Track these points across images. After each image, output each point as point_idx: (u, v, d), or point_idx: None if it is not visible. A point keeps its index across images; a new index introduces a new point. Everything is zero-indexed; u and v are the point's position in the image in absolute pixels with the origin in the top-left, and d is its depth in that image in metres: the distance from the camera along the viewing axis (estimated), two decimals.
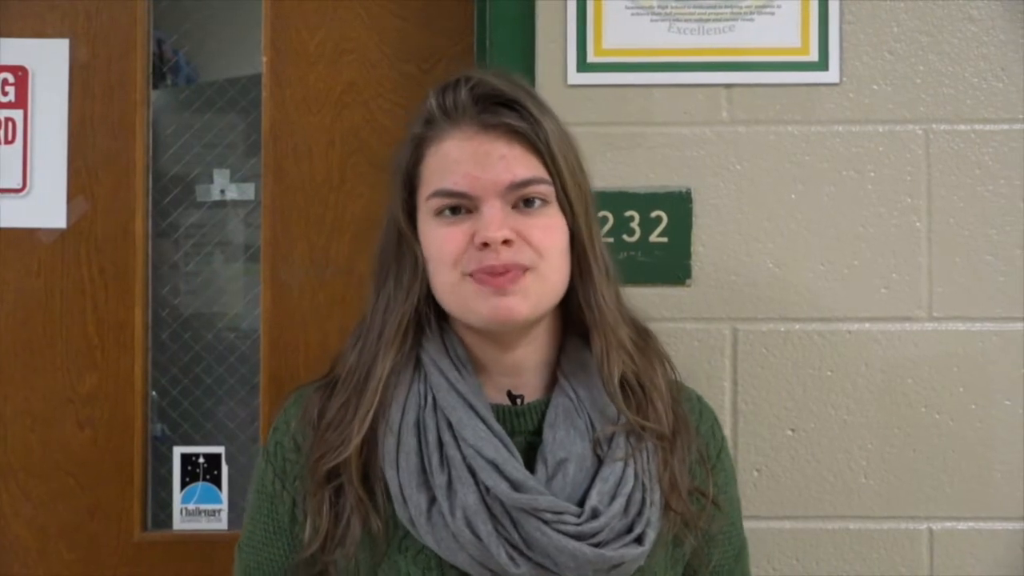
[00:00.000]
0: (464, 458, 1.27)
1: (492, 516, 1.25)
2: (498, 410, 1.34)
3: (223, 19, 2.29)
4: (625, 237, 1.76)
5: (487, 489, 1.26)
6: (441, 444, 1.29)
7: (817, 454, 1.76)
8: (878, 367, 1.76)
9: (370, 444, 1.31)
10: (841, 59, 1.77)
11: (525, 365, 1.36)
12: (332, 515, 1.31)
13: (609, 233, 1.75)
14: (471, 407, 1.30)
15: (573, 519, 1.25)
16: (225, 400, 2.13)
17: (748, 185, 1.77)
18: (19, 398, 1.93)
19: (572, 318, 1.38)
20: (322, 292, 1.93)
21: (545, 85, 1.76)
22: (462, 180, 1.29)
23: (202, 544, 1.95)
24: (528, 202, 1.30)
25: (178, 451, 1.99)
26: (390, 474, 1.29)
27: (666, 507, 1.33)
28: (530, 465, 1.30)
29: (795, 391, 1.76)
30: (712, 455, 1.44)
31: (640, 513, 1.29)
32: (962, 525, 1.75)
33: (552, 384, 1.37)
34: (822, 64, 1.76)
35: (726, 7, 1.77)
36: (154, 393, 2.02)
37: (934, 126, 1.76)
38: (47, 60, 1.94)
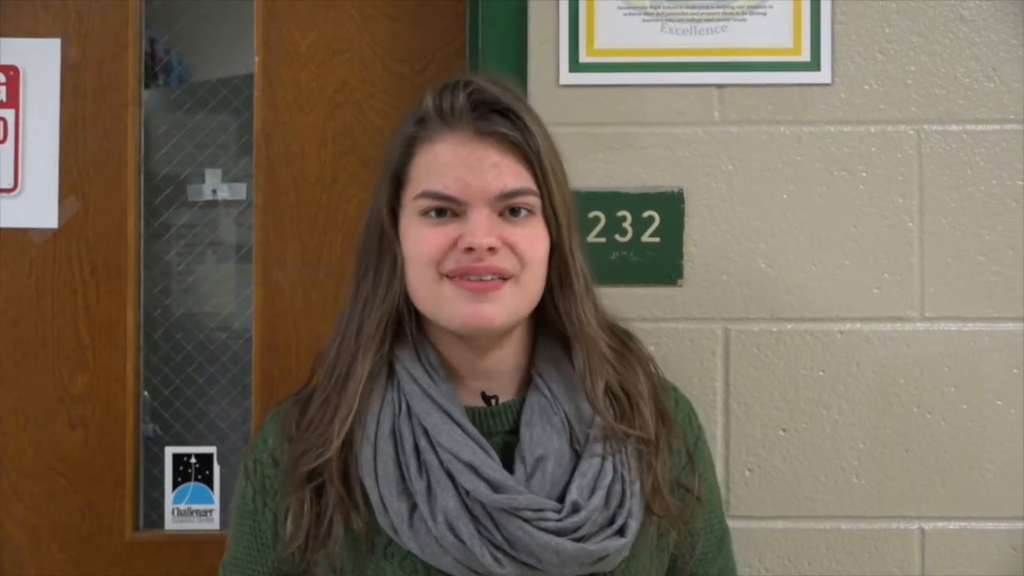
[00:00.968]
0: (441, 463, 1.28)
1: (473, 518, 1.25)
2: (473, 413, 1.34)
3: (215, 19, 2.28)
4: (617, 237, 1.76)
5: (467, 492, 1.26)
6: (418, 451, 1.29)
7: (809, 454, 1.76)
8: (870, 367, 1.76)
9: (349, 448, 1.32)
10: (833, 59, 1.77)
11: (499, 369, 1.37)
12: (313, 513, 1.31)
13: (601, 233, 1.75)
14: (445, 412, 1.30)
15: (554, 515, 1.26)
16: (217, 400, 2.13)
17: (740, 185, 1.77)
18: (10, 398, 1.93)
19: (546, 321, 1.38)
20: (314, 292, 1.93)
21: (537, 85, 1.76)
22: (453, 184, 1.29)
23: (194, 544, 1.95)
24: (514, 211, 1.31)
25: (170, 451, 1.98)
26: (369, 483, 1.29)
27: (648, 510, 1.34)
28: (508, 464, 1.30)
29: (787, 391, 1.76)
30: (690, 443, 1.45)
31: (621, 504, 1.30)
32: (953, 525, 1.75)
33: (526, 384, 1.38)
34: (814, 64, 1.77)
35: (718, 7, 1.77)
36: (146, 393, 2.02)
37: (926, 126, 1.76)
38: (39, 60, 1.94)
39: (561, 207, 1.34)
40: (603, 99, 1.77)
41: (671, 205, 1.76)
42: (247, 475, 1.39)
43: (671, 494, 1.37)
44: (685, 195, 1.77)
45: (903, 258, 1.76)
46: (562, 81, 1.77)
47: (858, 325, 1.76)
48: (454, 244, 1.28)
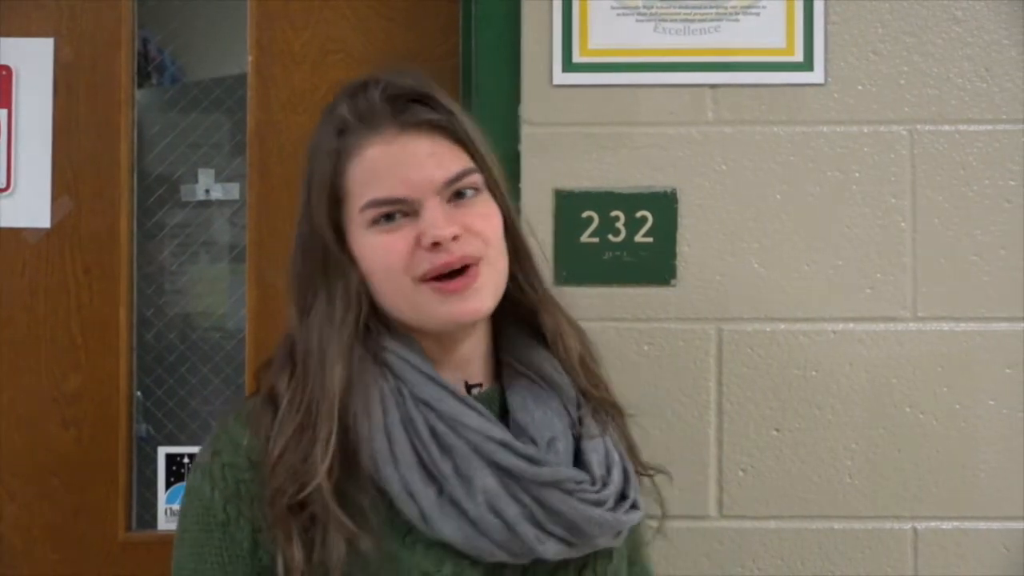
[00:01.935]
0: (469, 444, 1.25)
1: (514, 497, 1.23)
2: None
3: (209, 18, 2.28)
4: (610, 237, 1.76)
5: (505, 470, 1.24)
6: (435, 434, 1.26)
7: (802, 454, 1.76)
8: (863, 367, 1.76)
9: (341, 462, 1.25)
10: (826, 60, 1.77)
11: (472, 356, 1.35)
12: (306, 547, 1.23)
13: (594, 233, 1.75)
14: (456, 396, 1.28)
15: (591, 487, 1.26)
16: (210, 400, 2.13)
17: (733, 185, 1.77)
18: (3, 398, 1.93)
19: (501, 306, 1.34)
20: None
21: (531, 85, 1.76)
22: (398, 185, 1.26)
23: None
24: (460, 194, 1.28)
25: (163, 451, 1.98)
26: (388, 473, 1.24)
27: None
28: None
29: (780, 391, 1.76)
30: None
31: (627, 480, 1.31)
32: (946, 525, 1.75)
33: (497, 370, 1.37)
34: (807, 64, 1.77)
35: (711, 7, 1.77)
36: (139, 393, 2.02)
37: (919, 127, 1.77)
38: (31, 59, 1.93)
39: (500, 179, 1.32)
40: (596, 99, 1.77)
41: (664, 205, 1.76)
42: (212, 483, 1.28)
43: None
44: (678, 195, 1.77)
45: (896, 258, 1.76)
46: (555, 81, 1.77)
47: (851, 325, 1.76)
48: (416, 244, 1.25)
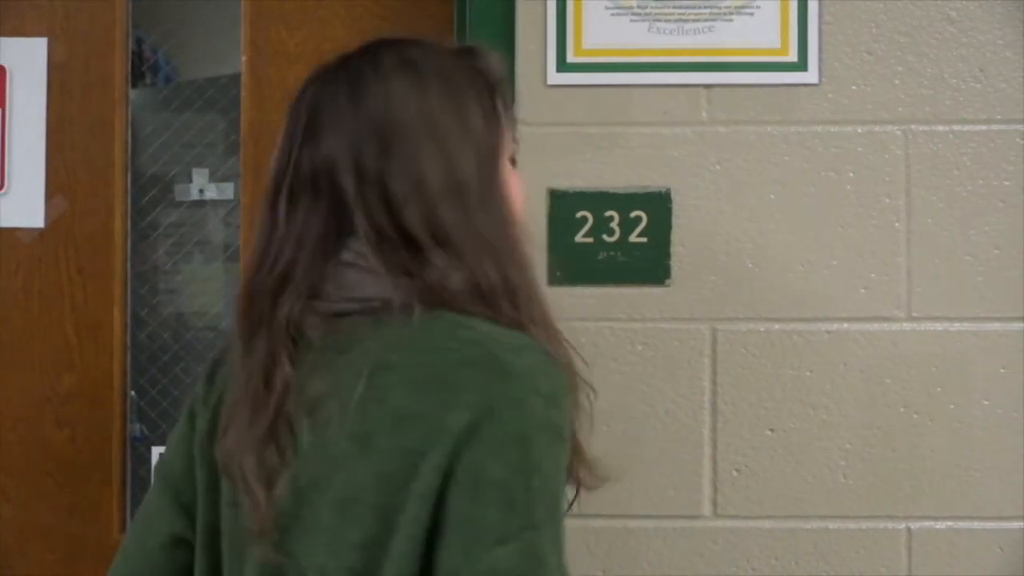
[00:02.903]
0: None
1: None
2: None
3: (202, 18, 2.28)
4: (605, 237, 1.76)
5: None
6: None
7: (796, 454, 1.76)
8: (857, 367, 1.76)
9: None
10: (820, 60, 1.77)
11: None
12: None
13: (589, 233, 1.75)
14: None
15: None
16: None
17: (728, 185, 1.77)
18: None
19: None
20: None
21: (525, 85, 1.76)
22: None
23: None
24: None
25: (157, 451, 1.98)
26: None
27: None
28: None
29: (774, 391, 1.76)
30: None
31: None
32: (940, 524, 1.75)
33: None
34: (801, 65, 1.77)
35: (705, 8, 1.77)
36: (133, 393, 2.01)
37: (913, 127, 1.77)
38: (25, 59, 1.93)
39: None
40: (591, 99, 1.77)
41: (659, 205, 1.76)
42: None
43: None
44: (673, 195, 1.77)
45: (890, 258, 1.76)
46: (550, 81, 1.77)
47: (845, 325, 1.76)
48: None
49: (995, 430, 1.76)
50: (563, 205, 1.76)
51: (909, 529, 1.75)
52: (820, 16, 1.77)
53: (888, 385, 1.76)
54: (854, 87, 1.77)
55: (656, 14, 1.77)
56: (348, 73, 1.18)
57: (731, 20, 1.77)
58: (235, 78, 1.99)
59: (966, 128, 1.77)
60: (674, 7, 1.77)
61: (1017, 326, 1.76)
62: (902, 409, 1.76)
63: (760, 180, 1.77)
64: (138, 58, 2.14)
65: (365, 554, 1.06)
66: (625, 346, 1.76)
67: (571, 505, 1.15)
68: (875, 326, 1.76)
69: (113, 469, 1.93)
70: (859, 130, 1.77)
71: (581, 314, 1.75)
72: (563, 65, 1.77)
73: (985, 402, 1.76)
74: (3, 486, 1.92)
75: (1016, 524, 1.75)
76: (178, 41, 2.25)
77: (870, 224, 1.76)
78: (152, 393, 2.11)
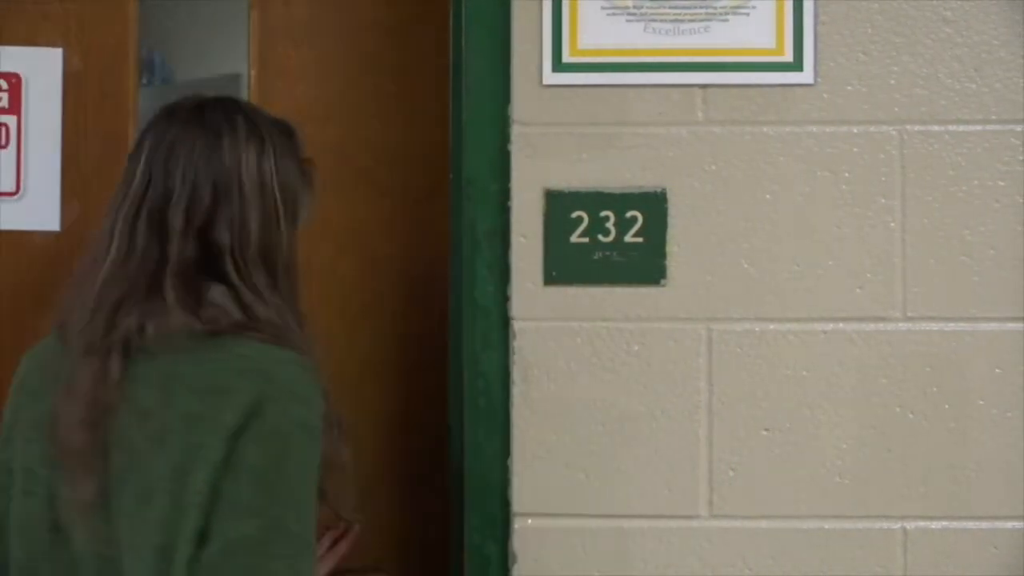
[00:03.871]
0: None
1: None
2: None
3: (201, 19, 2.29)
4: (600, 237, 1.76)
5: None
6: None
7: (792, 454, 1.76)
8: (853, 367, 1.76)
9: None
10: (816, 60, 1.77)
11: None
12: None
13: (584, 233, 1.75)
14: None
15: None
16: None
17: (723, 185, 1.77)
18: None
19: None
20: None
21: (520, 85, 1.76)
22: None
23: None
24: None
25: None
26: None
27: None
28: None
29: (770, 391, 1.76)
30: None
31: None
32: (936, 525, 1.75)
33: None
34: (797, 65, 1.77)
35: (701, 8, 1.77)
36: None
37: (908, 127, 1.77)
38: (40, 68, 1.97)
39: None
40: (586, 99, 1.77)
41: (654, 205, 1.76)
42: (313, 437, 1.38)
43: None
44: (668, 195, 1.77)
45: (886, 258, 1.76)
46: (545, 81, 1.77)
47: (841, 325, 1.76)
48: None
49: (991, 430, 1.76)
50: (559, 205, 1.76)
51: (905, 529, 1.75)
52: (816, 16, 1.77)
53: (884, 385, 1.76)
54: (849, 87, 1.77)
55: (652, 14, 1.77)
56: (204, 123, 1.44)
57: (727, 20, 1.77)
58: (233, 78, 2.00)
59: (962, 128, 1.77)
60: (670, 7, 1.77)
61: (1013, 326, 1.76)
62: (898, 409, 1.76)
63: (756, 180, 1.77)
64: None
65: (164, 531, 1.29)
66: (621, 346, 1.76)
67: None
68: (871, 326, 1.76)
69: None
70: (855, 130, 1.77)
71: (577, 314, 1.75)
72: (559, 65, 1.77)
73: (980, 402, 1.76)
74: None
75: (1012, 524, 1.75)
76: (174, 43, 2.25)
77: (865, 224, 1.76)
78: None
